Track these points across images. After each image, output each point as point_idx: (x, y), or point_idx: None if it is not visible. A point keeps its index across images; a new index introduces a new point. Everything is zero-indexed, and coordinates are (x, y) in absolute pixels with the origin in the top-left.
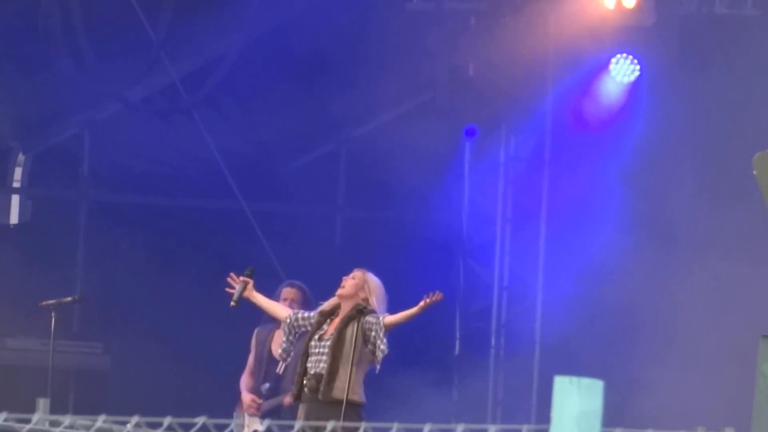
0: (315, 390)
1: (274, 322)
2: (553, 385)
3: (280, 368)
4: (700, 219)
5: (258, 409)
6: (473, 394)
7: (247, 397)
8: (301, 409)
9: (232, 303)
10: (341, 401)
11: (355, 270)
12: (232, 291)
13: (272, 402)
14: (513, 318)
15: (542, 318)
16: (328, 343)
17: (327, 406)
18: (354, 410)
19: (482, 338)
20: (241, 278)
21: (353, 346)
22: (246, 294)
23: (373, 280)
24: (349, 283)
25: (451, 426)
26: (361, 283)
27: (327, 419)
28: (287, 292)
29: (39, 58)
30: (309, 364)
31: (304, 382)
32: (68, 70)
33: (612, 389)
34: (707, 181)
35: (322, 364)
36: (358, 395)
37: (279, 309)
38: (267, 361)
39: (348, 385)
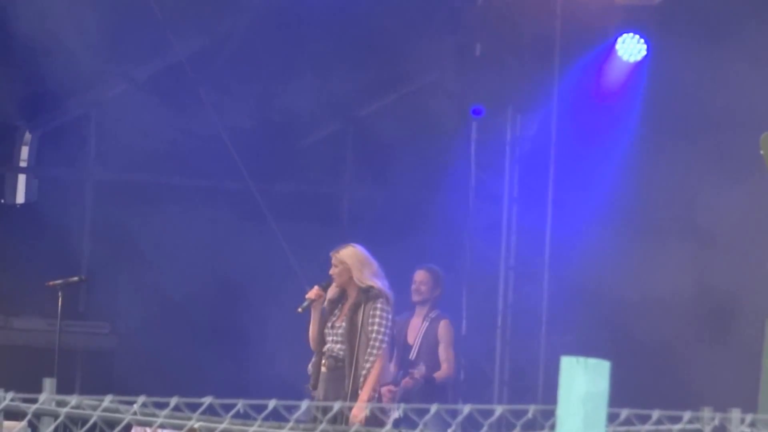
0: (334, 368)
1: (409, 310)
2: (559, 366)
3: (412, 354)
4: (708, 198)
5: (393, 398)
6: (480, 375)
7: (383, 388)
8: (320, 389)
9: (299, 309)
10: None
11: (333, 257)
12: (309, 298)
13: (403, 387)
14: (519, 298)
15: (549, 298)
16: (340, 330)
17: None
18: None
19: (489, 318)
20: (320, 292)
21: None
22: (313, 306)
23: (351, 255)
24: (336, 274)
25: (457, 406)
26: (343, 268)
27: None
28: (417, 274)
29: (45, 37)
30: (324, 350)
31: (323, 362)
32: (75, 49)
33: (618, 369)
34: (715, 161)
35: (337, 348)
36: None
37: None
38: (402, 348)
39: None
